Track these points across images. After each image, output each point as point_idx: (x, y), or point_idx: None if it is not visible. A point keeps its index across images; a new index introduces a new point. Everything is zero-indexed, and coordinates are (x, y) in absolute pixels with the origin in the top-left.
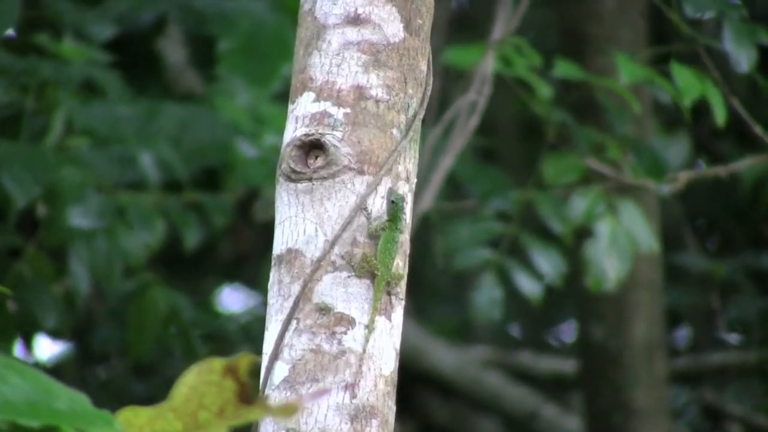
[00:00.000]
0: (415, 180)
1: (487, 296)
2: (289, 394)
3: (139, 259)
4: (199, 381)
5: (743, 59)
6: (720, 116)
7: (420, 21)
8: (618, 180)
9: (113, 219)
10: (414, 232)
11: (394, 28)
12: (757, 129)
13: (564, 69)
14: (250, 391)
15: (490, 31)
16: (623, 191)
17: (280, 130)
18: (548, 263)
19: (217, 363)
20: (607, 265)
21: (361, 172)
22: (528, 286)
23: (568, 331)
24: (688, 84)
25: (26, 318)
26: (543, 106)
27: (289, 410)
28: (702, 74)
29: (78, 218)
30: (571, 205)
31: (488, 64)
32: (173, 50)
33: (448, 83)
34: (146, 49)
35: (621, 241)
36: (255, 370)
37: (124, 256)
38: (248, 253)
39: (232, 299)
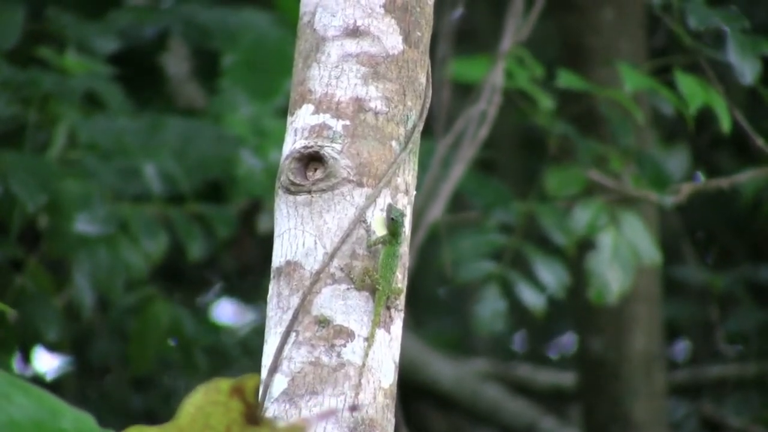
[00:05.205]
0: (414, 192)
1: (490, 308)
2: (288, 406)
3: (141, 271)
4: (206, 401)
5: (747, 71)
6: (725, 123)
7: (419, 33)
8: (620, 192)
9: (117, 228)
10: (420, 244)
11: (393, 41)
12: (760, 141)
13: (567, 79)
14: (256, 411)
15: (498, 41)
16: (626, 203)
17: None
18: (551, 274)
19: (223, 383)
20: (610, 276)
21: (360, 185)
22: (531, 298)
23: (567, 344)
24: (692, 91)
25: (28, 331)
26: (545, 117)
27: (294, 431)
28: (705, 83)
29: (84, 224)
30: (573, 217)
31: (498, 75)
32: (174, 63)
33: (456, 95)
34: (149, 63)
35: (623, 253)
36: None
37: (127, 268)
38: (251, 264)
39: (227, 312)
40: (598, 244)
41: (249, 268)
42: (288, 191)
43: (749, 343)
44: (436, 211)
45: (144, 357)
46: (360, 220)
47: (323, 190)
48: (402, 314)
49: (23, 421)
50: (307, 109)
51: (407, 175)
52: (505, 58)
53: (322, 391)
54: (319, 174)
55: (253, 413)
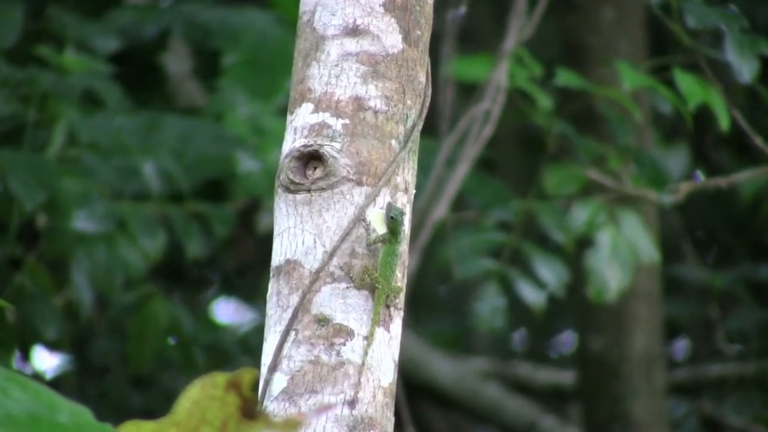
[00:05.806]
0: (414, 191)
1: (489, 305)
2: (287, 405)
3: (139, 269)
4: (202, 396)
5: (745, 70)
6: (723, 122)
7: (419, 32)
8: (619, 190)
9: (115, 226)
10: (424, 244)
11: (392, 39)
12: (758, 140)
13: (566, 78)
14: (252, 405)
15: (500, 41)
16: (624, 202)
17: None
18: (550, 272)
19: (219, 378)
20: (609, 275)
21: (359, 183)
22: (531, 295)
23: (566, 343)
24: (691, 89)
25: (26, 329)
26: (544, 116)
27: (291, 425)
28: (703, 82)
29: (83, 222)
30: (572, 216)
31: (502, 74)
32: (174, 62)
33: (459, 95)
34: (149, 62)
35: (622, 251)
36: (257, 384)
37: (125, 267)
38: (250, 263)
39: (226, 311)
40: (596, 243)
41: (248, 267)
42: (287, 190)
43: (749, 342)
44: (441, 210)
45: (143, 355)
46: (359, 218)
47: (323, 189)
48: (401, 313)
49: (20, 415)
50: (307, 107)
51: (407, 174)
52: (509, 57)
53: (321, 389)
54: (318, 173)
55: (249, 407)
